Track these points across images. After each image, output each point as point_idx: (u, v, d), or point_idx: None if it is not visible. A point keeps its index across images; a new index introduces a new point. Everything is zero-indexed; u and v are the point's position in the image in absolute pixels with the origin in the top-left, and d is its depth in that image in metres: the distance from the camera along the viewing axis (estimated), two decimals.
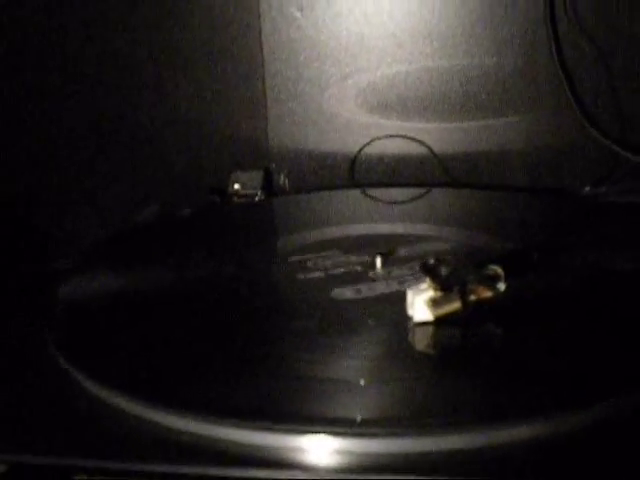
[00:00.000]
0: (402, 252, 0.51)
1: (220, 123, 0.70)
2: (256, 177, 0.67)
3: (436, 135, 0.68)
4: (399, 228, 0.57)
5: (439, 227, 0.56)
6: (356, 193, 0.67)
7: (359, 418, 0.33)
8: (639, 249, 0.50)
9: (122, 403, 0.35)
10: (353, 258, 0.50)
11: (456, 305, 0.39)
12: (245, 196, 0.65)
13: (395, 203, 0.65)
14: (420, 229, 0.56)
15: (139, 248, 0.56)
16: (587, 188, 0.65)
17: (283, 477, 0.31)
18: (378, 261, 0.48)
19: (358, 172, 0.70)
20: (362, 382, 0.36)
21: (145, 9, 0.69)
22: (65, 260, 0.55)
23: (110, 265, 0.52)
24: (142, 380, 0.37)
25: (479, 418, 0.33)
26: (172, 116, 0.71)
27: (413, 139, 0.69)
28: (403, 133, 0.69)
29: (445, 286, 0.39)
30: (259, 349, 0.40)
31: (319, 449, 0.32)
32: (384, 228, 0.57)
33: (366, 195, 0.66)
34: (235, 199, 0.65)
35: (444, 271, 0.39)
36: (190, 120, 0.71)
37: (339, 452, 0.32)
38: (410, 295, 0.40)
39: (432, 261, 0.40)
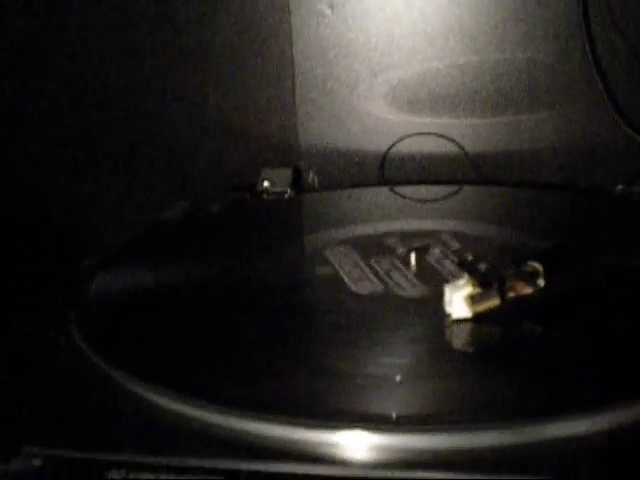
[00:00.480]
0: (435, 249, 0.50)
1: (250, 121, 0.70)
2: (285, 175, 0.66)
3: (467, 132, 0.68)
4: (430, 226, 0.56)
5: (470, 224, 0.56)
6: (386, 191, 0.67)
7: (394, 414, 0.33)
8: None
9: (159, 399, 0.35)
10: (384, 255, 0.50)
11: (495, 302, 0.39)
12: (275, 193, 0.65)
13: (426, 201, 0.65)
14: (451, 226, 0.56)
15: (169, 244, 0.56)
16: (620, 186, 0.64)
17: (319, 472, 0.31)
18: (412, 257, 0.48)
19: (388, 170, 0.69)
20: (398, 378, 0.35)
21: (175, 7, 0.69)
22: (94, 256, 0.55)
23: (140, 261, 0.53)
24: (180, 376, 0.37)
25: (516, 415, 0.32)
26: (202, 113, 0.71)
27: (443, 136, 0.68)
28: (433, 130, 0.68)
29: (483, 283, 0.39)
30: (294, 345, 0.40)
31: (355, 445, 0.32)
32: (415, 225, 0.57)
33: (396, 193, 0.66)
34: (265, 196, 0.65)
35: (482, 267, 0.39)
36: (220, 118, 0.71)
37: (375, 448, 0.32)
38: (448, 291, 0.40)
39: (470, 257, 0.40)
